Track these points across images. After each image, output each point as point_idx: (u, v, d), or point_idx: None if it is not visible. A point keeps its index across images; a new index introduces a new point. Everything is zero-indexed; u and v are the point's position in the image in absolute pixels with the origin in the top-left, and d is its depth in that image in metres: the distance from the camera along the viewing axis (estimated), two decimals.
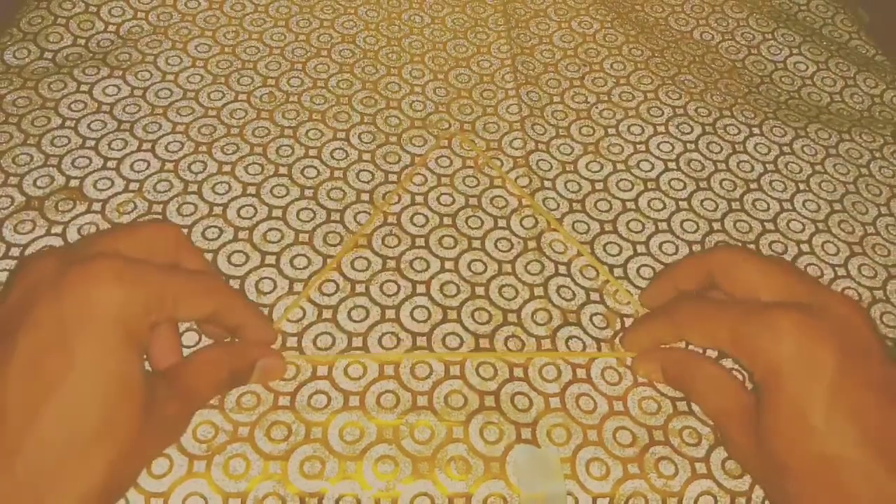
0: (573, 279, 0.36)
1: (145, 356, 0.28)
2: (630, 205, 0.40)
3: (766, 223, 0.40)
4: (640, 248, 0.38)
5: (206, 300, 0.28)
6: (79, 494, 0.23)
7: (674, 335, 0.31)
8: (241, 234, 0.36)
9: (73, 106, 0.41)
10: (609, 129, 0.44)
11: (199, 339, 0.32)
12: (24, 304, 0.24)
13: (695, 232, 0.39)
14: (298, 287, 0.34)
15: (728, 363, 0.33)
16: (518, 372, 0.32)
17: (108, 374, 0.24)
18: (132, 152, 0.39)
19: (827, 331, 0.26)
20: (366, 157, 0.41)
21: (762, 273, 0.30)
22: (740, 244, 0.38)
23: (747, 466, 0.30)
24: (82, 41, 0.45)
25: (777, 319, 0.27)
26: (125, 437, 0.24)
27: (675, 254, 0.38)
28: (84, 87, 0.42)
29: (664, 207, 0.40)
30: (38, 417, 0.23)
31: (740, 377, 0.32)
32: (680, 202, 0.40)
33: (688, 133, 0.44)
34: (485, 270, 0.36)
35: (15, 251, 0.34)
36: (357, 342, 0.33)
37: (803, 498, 0.26)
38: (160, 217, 0.36)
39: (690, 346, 0.33)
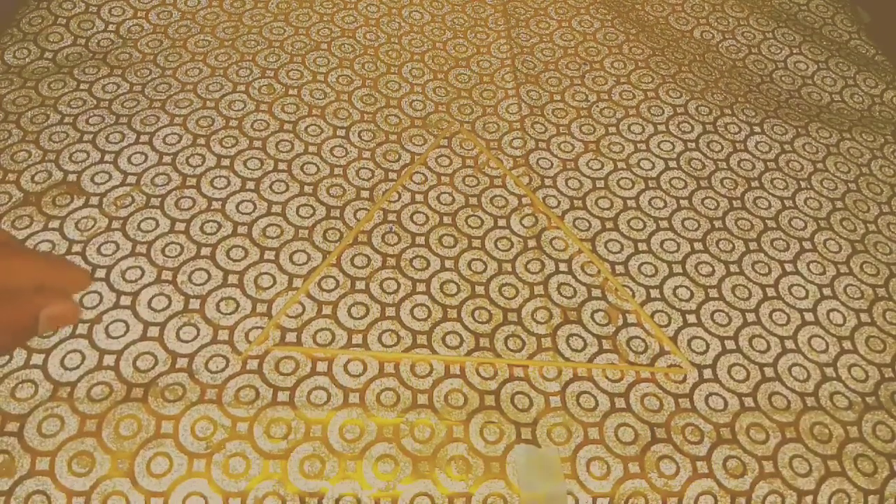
0: (574, 276, 0.36)
1: None
2: (631, 203, 0.40)
3: (767, 221, 0.39)
4: (642, 246, 0.38)
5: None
6: None
7: None
8: (241, 230, 0.36)
9: (72, 103, 0.40)
10: (609, 128, 0.43)
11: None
12: None
13: (696, 230, 0.39)
14: (298, 283, 0.34)
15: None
16: (518, 371, 0.32)
17: None
18: (130, 145, 0.39)
19: None
20: (366, 154, 0.40)
21: None
22: (742, 242, 0.38)
23: None
24: (82, 41, 0.45)
25: None
26: None
27: (677, 251, 0.38)
28: (84, 86, 0.41)
29: (665, 206, 0.40)
30: None
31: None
32: (681, 200, 0.40)
33: (688, 132, 0.44)
34: (485, 269, 0.36)
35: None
36: (357, 339, 0.33)
37: None
38: (158, 210, 0.36)
39: None
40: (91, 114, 0.40)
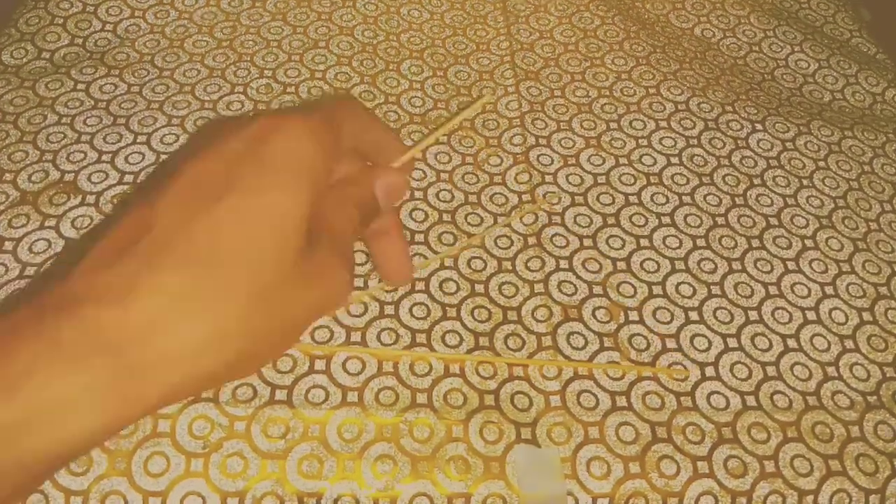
0: (575, 273, 0.36)
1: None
2: (633, 199, 0.39)
3: (769, 218, 0.39)
4: (644, 242, 0.38)
5: (355, 123, 0.26)
6: (199, 342, 0.19)
7: None
8: None
9: (69, 104, 0.40)
10: (611, 124, 0.43)
11: None
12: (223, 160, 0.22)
13: (698, 226, 0.39)
14: None
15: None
16: (518, 370, 0.32)
17: (278, 208, 0.21)
18: (127, 145, 0.39)
19: None
20: None
21: None
22: (744, 239, 0.38)
23: None
24: (80, 41, 0.45)
25: None
26: (270, 277, 0.21)
27: (679, 247, 0.37)
28: (81, 86, 0.41)
29: (667, 202, 0.40)
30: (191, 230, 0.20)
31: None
32: (683, 196, 0.40)
33: (690, 128, 0.43)
34: (485, 267, 0.36)
35: (9, 245, 0.34)
36: (356, 337, 0.32)
37: None
38: None
39: None
40: (89, 115, 0.40)
